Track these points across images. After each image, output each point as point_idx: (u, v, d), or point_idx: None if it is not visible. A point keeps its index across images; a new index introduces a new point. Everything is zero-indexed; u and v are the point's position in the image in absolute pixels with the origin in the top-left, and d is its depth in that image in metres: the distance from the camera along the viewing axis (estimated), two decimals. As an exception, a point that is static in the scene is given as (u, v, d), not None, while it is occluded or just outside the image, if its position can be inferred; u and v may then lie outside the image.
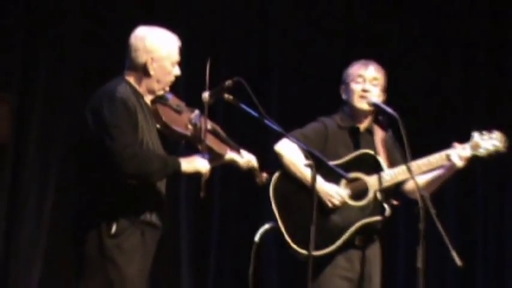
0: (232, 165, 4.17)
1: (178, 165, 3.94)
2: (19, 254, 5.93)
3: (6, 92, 5.83)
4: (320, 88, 6.44)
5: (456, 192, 6.71)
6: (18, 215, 5.96)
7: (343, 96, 4.67)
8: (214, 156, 4.13)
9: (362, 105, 4.58)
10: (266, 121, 4.03)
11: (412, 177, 4.33)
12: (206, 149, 4.06)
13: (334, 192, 4.48)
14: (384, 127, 4.68)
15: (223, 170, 4.49)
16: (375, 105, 4.53)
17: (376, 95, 4.57)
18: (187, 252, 6.42)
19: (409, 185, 4.57)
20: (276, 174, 4.56)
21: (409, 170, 4.34)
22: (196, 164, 3.97)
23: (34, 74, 6.08)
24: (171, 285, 6.39)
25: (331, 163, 4.32)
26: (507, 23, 6.93)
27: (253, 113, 4.02)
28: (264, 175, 4.26)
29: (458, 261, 4.23)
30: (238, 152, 4.19)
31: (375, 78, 4.59)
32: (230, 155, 4.15)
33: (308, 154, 4.04)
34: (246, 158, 4.18)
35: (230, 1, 6.68)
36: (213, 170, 4.14)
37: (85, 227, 3.89)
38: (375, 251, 4.59)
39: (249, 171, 4.22)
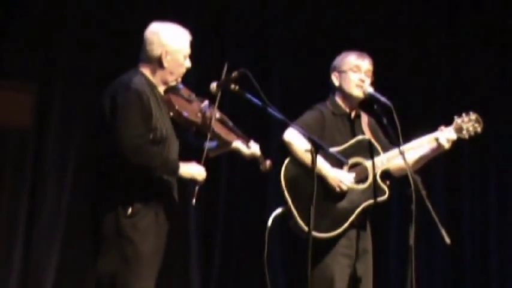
0: (237, 153, 4.37)
1: (177, 168, 4.13)
2: (40, 235, 6.08)
3: (28, 82, 5.96)
4: (321, 83, 6.68)
5: (444, 173, 6.96)
6: (39, 198, 6.11)
7: (336, 83, 4.82)
8: (221, 143, 4.37)
9: (359, 93, 4.75)
10: (270, 110, 4.21)
11: (405, 163, 4.53)
12: (214, 136, 4.29)
13: (344, 178, 4.66)
14: (368, 113, 4.86)
15: (229, 155, 4.70)
16: (370, 95, 4.71)
17: (368, 85, 4.76)
18: (195, 232, 6.60)
19: (394, 165, 4.79)
20: (286, 162, 4.68)
21: (402, 154, 4.55)
22: (193, 172, 4.17)
23: (54, 66, 6.21)
24: (181, 267, 6.55)
25: (333, 149, 4.54)
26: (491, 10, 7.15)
27: (257, 102, 4.18)
28: (268, 162, 4.45)
29: (447, 239, 4.41)
30: (246, 141, 4.38)
31: (369, 70, 4.78)
32: (236, 143, 4.35)
33: (312, 142, 4.20)
34: (252, 149, 4.38)
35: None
36: (219, 156, 4.38)
37: (103, 209, 4.08)
38: (367, 229, 4.80)
39: (253, 160, 4.41)
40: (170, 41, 4.21)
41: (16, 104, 5.49)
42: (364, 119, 4.90)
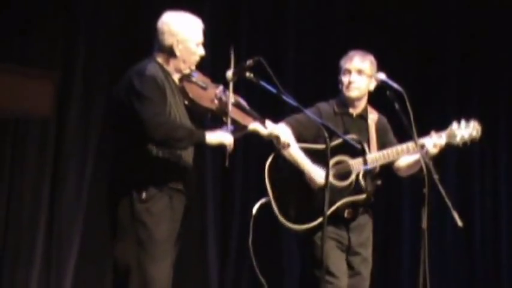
0: (256, 134, 4.38)
1: (204, 136, 4.19)
2: (61, 220, 6.21)
3: (49, 70, 6.00)
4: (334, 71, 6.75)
5: (456, 157, 7.04)
6: (60, 184, 6.22)
7: (339, 86, 4.93)
8: (238, 128, 4.38)
9: (350, 93, 4.85)
10: (284, 97, 4.29)
11: (419, 150, 4.58)
12: (231, 121, 4.32)
13: (315, 174, 4.71)
14: (378, 109, 4.93)
15: (244, 143, 4.79)
16: (382, 82, 4.70)
17: (362, 85, 4.84)
18: (213, 218, 6.73)
19: (397, 165, 4.89)
20: (271, 155, 4.78)
21: (416, 143, 4.58)
22: (220, 137, 4.22)
23: (75, 54, 6.30)
24: (198, 249, 6.69)
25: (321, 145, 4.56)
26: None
27: (272, 89, 4.27)
28: (286, 142, 4.49)
29: (459, 222, 4.47)
30: (262, 122, 4.41)
31: (359, 70, 4.84)
32: (253, 125, 4.37)
33: (325, 128, 4.28)
34: (269, 129, 4.40)
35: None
36: (236, 142, 4.37)
37: (118, 194, 4.20)
38: (363, 222, 4.88)
39: (271, 140, 4.45)
40: (181, 30, 4.26)
41: (38, 91, 5.56)
42: (373, 118, 4.95)
